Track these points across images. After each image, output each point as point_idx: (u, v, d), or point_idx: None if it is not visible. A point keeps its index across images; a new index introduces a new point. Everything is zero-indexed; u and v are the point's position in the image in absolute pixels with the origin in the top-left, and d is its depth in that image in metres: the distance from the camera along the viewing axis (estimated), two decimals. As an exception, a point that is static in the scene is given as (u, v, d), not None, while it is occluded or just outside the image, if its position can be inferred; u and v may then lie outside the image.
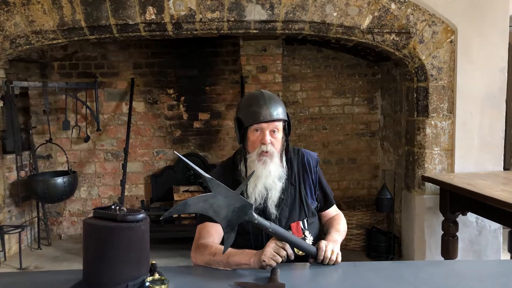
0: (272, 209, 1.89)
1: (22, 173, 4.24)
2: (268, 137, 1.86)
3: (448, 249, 3.40)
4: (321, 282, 1.61)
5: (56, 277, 1.69)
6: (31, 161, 4.70)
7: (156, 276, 1.60)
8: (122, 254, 1.50)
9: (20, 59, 4.46)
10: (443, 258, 3.42)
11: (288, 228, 1.90)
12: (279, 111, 1.88)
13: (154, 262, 1.67)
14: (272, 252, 1.66)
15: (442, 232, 3.44)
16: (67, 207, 4.98)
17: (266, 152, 1.86)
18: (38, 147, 4.64)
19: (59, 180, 4.30)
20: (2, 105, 4.27)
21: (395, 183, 4.27)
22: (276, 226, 1.70)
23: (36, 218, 4.76)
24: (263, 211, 1.89)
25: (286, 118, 1.92)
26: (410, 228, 3.83)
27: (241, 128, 1.93)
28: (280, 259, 1.66)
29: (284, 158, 1.95)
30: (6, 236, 4.27)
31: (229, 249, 1.69)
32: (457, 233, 3.42)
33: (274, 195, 1.89)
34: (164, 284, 1.56)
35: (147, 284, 1.55)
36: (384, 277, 1.62)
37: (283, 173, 1.92)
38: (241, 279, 1.60)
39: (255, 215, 1.64)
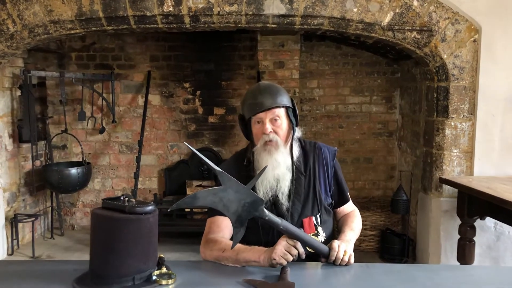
0: (283, 200, 1.84)
1: (37, 163, 4.27)
2: (268, 126, 1.82)
3: (465, 254, 3.31)
4: (332, 283, 1.57)
5: (64, 267, 1.68)
6: (47, 151, 4.73)
7: (164, 270, 1.57)
8: (129, 246, 1.48)
9: (38, 49, 4.49)
10: (458, 263, 3.34)
11: (301, 223, 1.85)
12: (276, 99, 1.83)
13: (162, 255, 1.64)
14: (283, 250, 1.60)
15: (459, 236, 3.36)
16: (80, 198, 5.00)
17: (270, 141, 1.82)
18: (53, 137, 4.67)
19: (73, 170, 4.32)
20: (20, 94, 4.30)
21: (411, 185, 4.18)
22: (287, 223, 1.65)
23: (50, 208, 4.79)
24: (274, 203, 1.84)
25: (285, 104, 1.86)
26: (426, 231, 3.75)
27: (245, 124, 1.91)
28: (291, 258, 1.60)
29: (294, 147, 1.90)
30: (20, 225, 4.31)
31: (238, 245, 1.65)
32: (474, 238, 3.33)
33: (284, 185, 1.84)
34: (171, 279, 1.54)
35: (154, 278, 1.52)
36: (396, 279, 1.56)
37: (290, 162, 1.87)
38: (250, 276, 1.56)
39: (266, 211, 1.59)
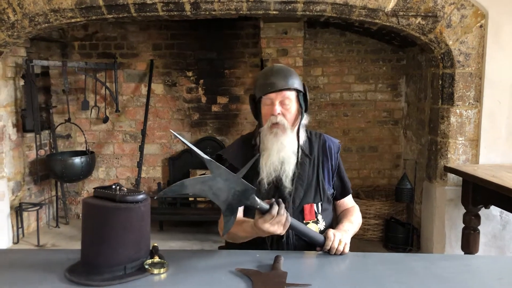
0: (287, 183, 1.83)
1: (42, 152, 4.28)
2: (277, 107, 1.80)
3: (469, 243, 3.27)
4: (326, 272, 1.54)
5: (57, 256, 1.67)
6: (51, 140, 4.74)
7: (156, 259, 1.56)
8: (120, 235, 1.46)
9: (41, 38, 4.48)
10: (463, 252, 3.30)
11: (302, 209, 1.85)
12: (288, 81, 1.81)
13: (156, 244, 1.63)
14: (266, 225, 1.56)
15: (463, 225, 3.32)
16: (85, 187, 5.02)
17: (277, 123, 1.81)
18: (57, 126, 4.68)
19: (77, 160, 4.32)
20: (23, 83, 4.30)
21: (416, 173, 4.13)
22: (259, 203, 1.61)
23: (55, 197, 4.81)
24: (276, 186, 1.83)
25: (297, 87, 1.84)
26: (430, 220, 3.71)
27: (255, 104, 1.91)
28: (278, 223, 1.56)
29: (301, 132, 1.88)
30: (25, 214, 4.34)
31: (242, 219, 1.72)
32: (479, 227, 3.28)
33: (289, 169, 1.83)
34: (164, 268, 1.52)
35: (146, 267, 1.51)
36: (393, 269, 1.54)
37: (296, 146, 1.86)
38: (243, 266, 1.54)
39: (258, 200, 1.57)
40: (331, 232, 1.70)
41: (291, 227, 1.62)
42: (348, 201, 2.07)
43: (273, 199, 1.60)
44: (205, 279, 1.46)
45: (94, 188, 1.57)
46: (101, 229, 1.46)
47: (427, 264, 1.58)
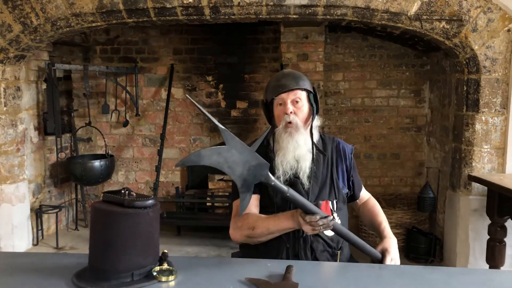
0: (304, 180, 1.85)
1: (62, 155, 4.32)
2: (289, 106, 1.85)
3: (494, 256, 3.14)
4: (339, 284, 1.48)
5: (66, 260, 1.66)
6: (72, 143, 4.79)
7: (165, 266, 1.52)
8: (127, 241, 1.44)
9: (64, 42, 4.54)
10: (488, 265, 3.18)
11: (317, 206, 1.81)
12: (298, 82, 1.88)
13: (165, 251, 1.59)
14: (309, 228, 1.62)
15: (488, 237, 3.19)
16: (104, 190, 5.05)
17: (290, 123, 1.84)
18: (77, 129, 4.72)
19: (96, 163, 4.35)
20: (45, 87, 4.36)
21: (439, 182, 4.01)
22: (293, 192, 1.64)
23: (75, 199, 4.85)
24: (293, 184, 1.83)
25: (307, 88, 1.89)
26: (453, 231, 3.58)
27: (267, 109, 1.95)
28: (321, 229, 1.62)
29: (314, 132, 1.91)
30: (45, 216, 4.38)
31: (263, 216, 1.75)
32: (505, 239, 3.15)
33: (305, 166, 1.85)
34: (172, 275, 1.49)
35: (154, 274, 1.48)
36: (409, 282, 1.47)
37: (311, 144, 1.89)
38: (253, 275, 1.49)
39: (272, 177, 1.59)
40: (389, 257, 1.79)
41: (302, 205, 1.62)
42: (364, 194, 2.14)
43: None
44: (214, 288, 1.42)
45: (103, 193, 1.55)
46: (109, 235, 1.44)
47: (446, 279, 1.50)
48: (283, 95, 1.86)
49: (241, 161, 1.52)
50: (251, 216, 1.80)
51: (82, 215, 4.89)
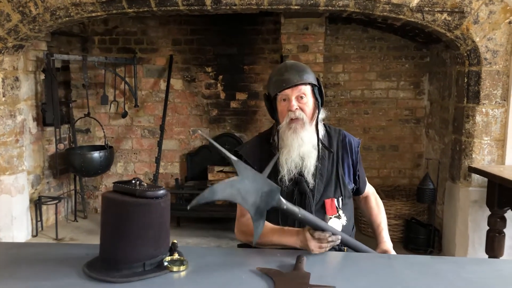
0: (309, 179, 1.82)
1: (61, 146, 4.30)
2: (294, 103, 1.80)
3: (493, 246, 3.18)
4: (350, 273, 1.49)
5: (75, 251, 1.66)
6: (70, 134, 4.76)
7: (176, 256, 1.52)
8: (139, 231, 1.43)
9: (62, 32, 4.50)
10: (487, 256, 3.21)
11: (322, 203, 1.83)
12: (302, 76, 1.81)
13: (175, 241, 1.60)
14: (316, 245, 1.60)
15: (488, 228, 3.22)
16: (103, 182, 5.04)
17: (296, 119, 1.79)
18: (76, 120, 4.69)
19: (95, 154, 4.33)
20: (44, 77, 4.32)
21: (438, 173, 4.03)
22: (305, 212, 1.61)
23: (74, 191, 4.84)
24: (298, 182, 1.81)
25: (311, 81, 1.83)
26: (453, 222, 3.61)
27: (270, 103, 1.89)
28: (328, 247, 1.62)
29: (319, 126, 1.87)
30: (44, 207, 4.37)
31: (270, 227, 1.71)
32: (504, 230, 3.18)
33: (310, 164, 1.82)
34: (183, 265, 1.49)
35: (165, 264, 1.48)
36: (419, 272, 1.48)
37: (316, 140, 1.85)
38: (264, 265, 1.50)
39: (284, 201, 1.56)
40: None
41: (315, 225, 1.60)
42: (367, 188, 2.12)
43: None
44: (226, 278, 1.42)
45: (113, 183, 1.54)
46: (120, 225, 1.43)
47: (455, 268, 1.51)
48: (287, 91, 1.80)
49: (253, 189, 1.48)
50: None
51: (81, 206, 4.88)
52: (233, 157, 1.50)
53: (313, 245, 1.59)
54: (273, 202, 1.53)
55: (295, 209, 1.59)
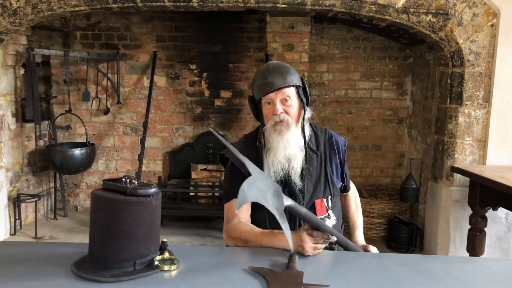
0: (296, 180, 1.80)
1: (41, 142, 4.20)
2: (278, 106, 1.78)
3: (475, 245, 3.24)
4: (342, 272, 1.49)
5: (62, 250, 1.61)
6: (50, 131, 4.67)
7: (166, 255, 1.50)
8: (130, 230, 1.40)
9: (43, 26, 4.40)
10: (468, 254, 3.27)
11: (312, 204, 1.82)
12: (286, 78, 1.78)
13: (165, 240, 1.57)
14: (311, 246, 1.58)
15: (469, 227, 3.28)
16: (84, 179, 4.95)
17: (280, 121, 1.78)
18: (57, 117, 4.60)
19: (77, 151, 4.25)
20: (23, 72, 4.22)
21: (421, 173, 4.09)
22: (311, 214, 1.61)
23: (54, 188, 4.74)
24: (285, 183, 1.79)
25: (296, 83, 1.81)
26: (435, 220, 3.67)
27: (255, 105, 1.88)
28: (322, 248, 1.61)
29: (306, 127, 1.87)
30: (23, 205, 4.27)
31: (258, 230, 1.70)
32: (485, 229, 3.24)
33: (297, 165, 1.80)
34: (174, 264, 1.47)
35: (156, 263, 1.45)
36: (410, 271, 1.48)
37: (302, 142, 1.84)
38: (257, 264, 1.48)
39: (289, 198, 1.55)
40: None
41: (318, 226, 1.60)
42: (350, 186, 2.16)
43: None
44: (218, 277, 1.40)
45: (103, 180, 1.51)
46: (110, 223, 1.40)
47: (446, 267, 1.53)
48: (271, 95, 1.77)
49: (267, 188, 1.46)
50: (244, 229, 1.74)
51: (61, 204, 4.78)
52: (242, 156, 1.50)
53: (308, 247, 1.57)
54: (283, 201, 1.50)
55: (302, 209, 1.58)
